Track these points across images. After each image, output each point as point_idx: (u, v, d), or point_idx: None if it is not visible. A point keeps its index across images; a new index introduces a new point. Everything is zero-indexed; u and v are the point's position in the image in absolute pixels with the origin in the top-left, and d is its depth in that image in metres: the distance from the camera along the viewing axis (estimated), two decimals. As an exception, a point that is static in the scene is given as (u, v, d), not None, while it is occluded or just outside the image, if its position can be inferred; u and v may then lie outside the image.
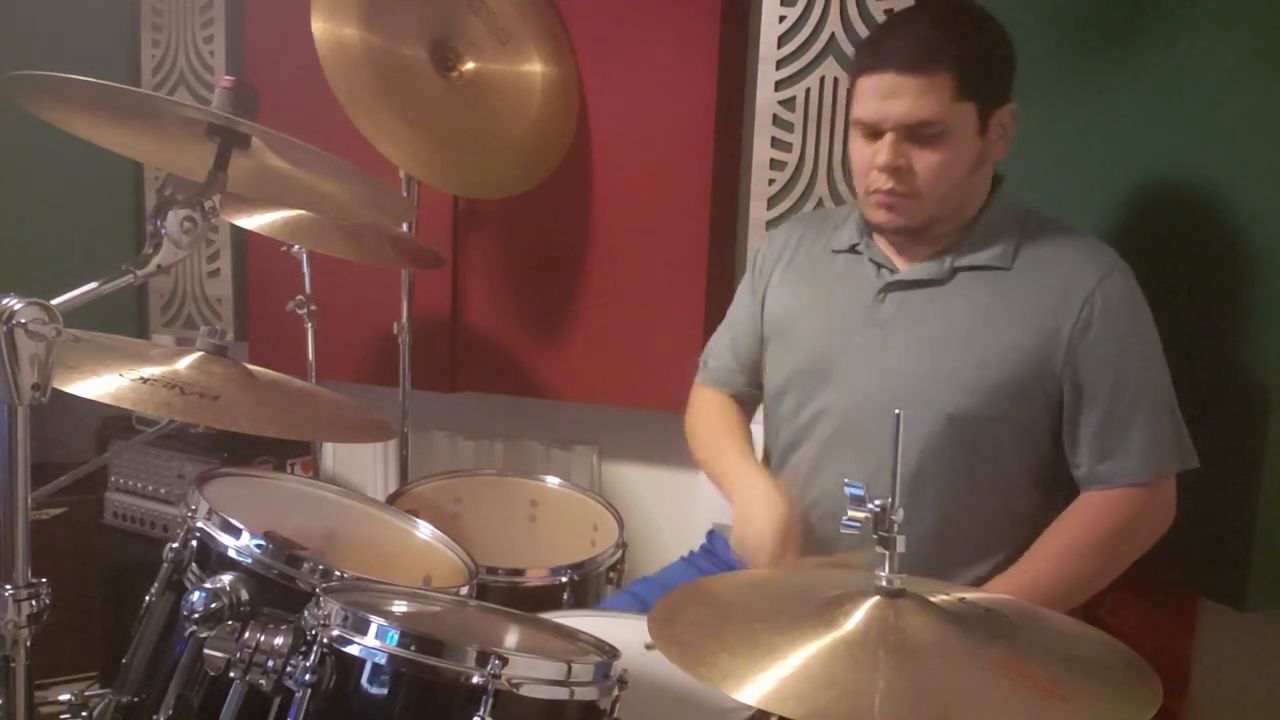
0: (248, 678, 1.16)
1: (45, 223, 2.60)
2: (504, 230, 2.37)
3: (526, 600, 1.71)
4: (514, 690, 1.10)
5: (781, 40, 2.04)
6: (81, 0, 2.56)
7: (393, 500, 1.87)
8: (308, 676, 1.12)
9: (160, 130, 1.37)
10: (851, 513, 1.03)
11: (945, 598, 1.08)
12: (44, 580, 1.07)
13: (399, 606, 1.29)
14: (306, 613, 1.18)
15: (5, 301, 1.00)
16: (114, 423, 2.60)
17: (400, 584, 1.39)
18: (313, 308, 2.21)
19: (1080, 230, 1.55)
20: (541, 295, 2.36)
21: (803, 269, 1.67)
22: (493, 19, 2.16)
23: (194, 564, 1.36)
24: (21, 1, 2.53)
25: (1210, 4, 1.62)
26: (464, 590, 1.48)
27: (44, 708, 1.26)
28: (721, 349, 1.79)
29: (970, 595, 1.14)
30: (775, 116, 2.07)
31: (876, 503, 1.02)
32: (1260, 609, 1.59)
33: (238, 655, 1.17)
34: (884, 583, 1.02)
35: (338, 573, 1.32)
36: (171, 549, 1.39)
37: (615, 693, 1.17)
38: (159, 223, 1.20)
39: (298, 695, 1.13)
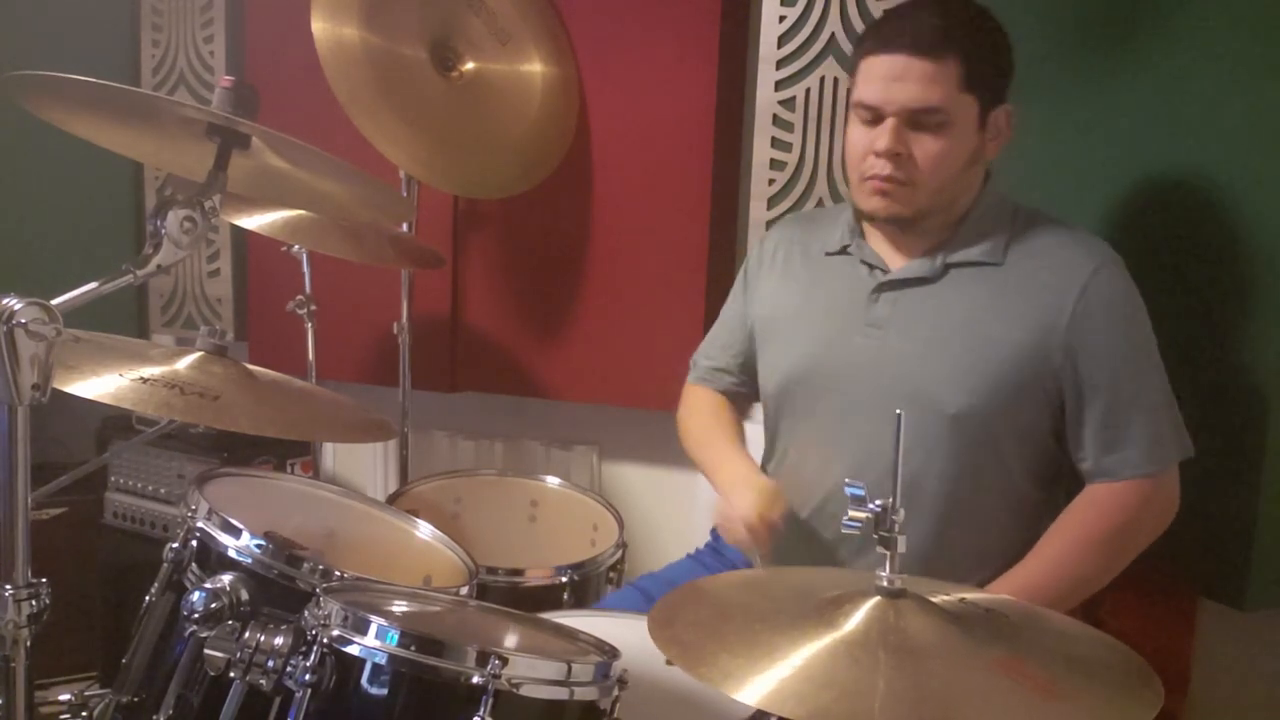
0: (248, 678, 1.17)
1: (45, 223, 2.60)
2: (504, 230, 2.37)
3: (526, 600, 1.71)
4: (514, 690, 1.10)
5: (781, 40, 2.04)
6: (81, 0, 2.55)
7: (393, 500, 1.87)
8: (308, 676, 1.12)
9: (160, 130, 1.37)
10: (852, 513, 1.03)
11: (945, 598, 1.08)
12: (44, 580, 1.07)
13: (399, 606, 1.29)
14: (306, 613, 1.18)
15: (5, 301, 1.00)
16: (114, 423, 2.60)
17: (400, 584, 1.39)
18: (313, 308, 2.21)
19: (1071, 224, 1.55)
20: (541, 295, 2.36)
21: (795, 271, 1.67)
22: (493, 19, 2.16)
23: (194, 564, 1.36)
24: (21, 1, 2.53)
25: (1210, 4, 1.62)
26: (464, 590, 1.48)
27: (44, 708, 1.26)
28: (713, 349, 1.80)
29: (970, 595, 1.14)
30: (775, 116, 2.07)
31: (877, 503, 1.02)
32: (1260, 609, 1.59)
33: (238, 655, 1.17)
34: (884, 583, 1.02)
35: (338, 573, 1.32)
36: (171, 549, 1.39)
37: (615, 693, 1.17)
38: (159, 223, 1.20)
39: (298, 695, 1.13)
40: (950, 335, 1.49)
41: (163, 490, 2.45)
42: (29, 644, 1.05)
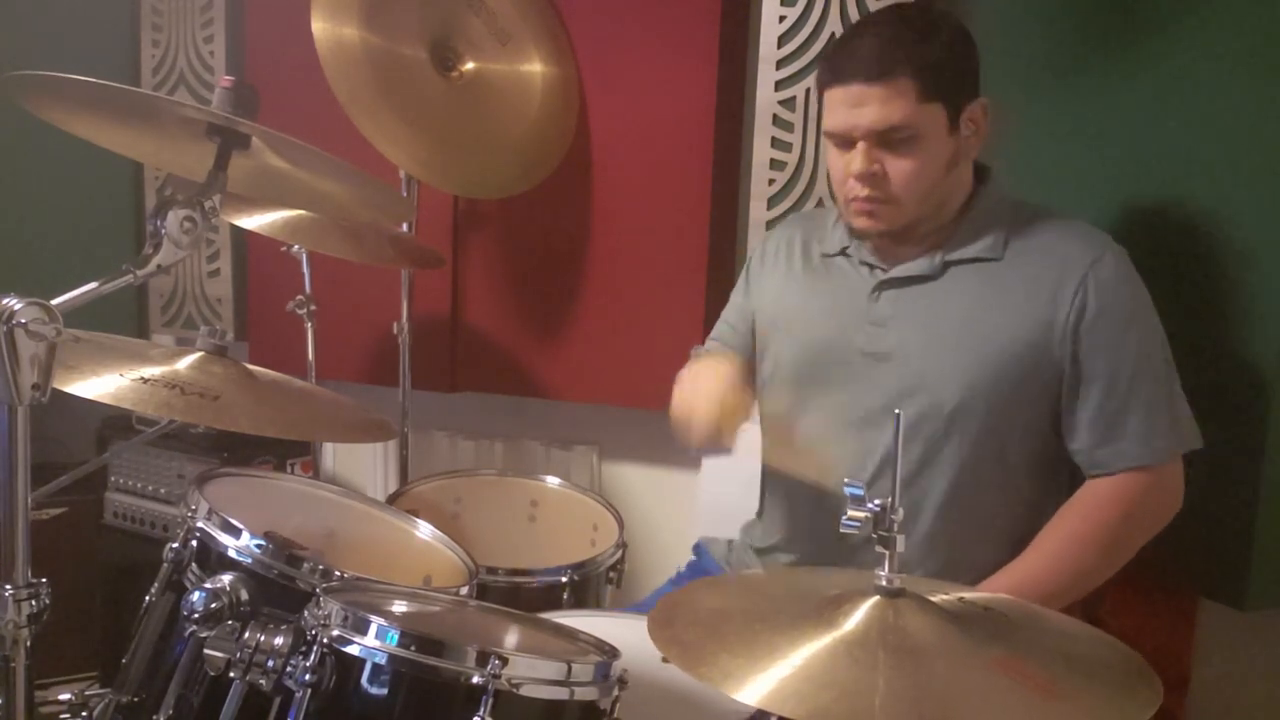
0: (248, 678, 1.17)
1: (45, 223, 2.60)
2: (504, 230, 2.37)
3: (526, 600, 1.71)
4: (514, 690, 1.10)
5: (781, 40, 2.04)
6: (81, 0, 2.56)
7: (393, 500, 1.87)
8: (308, 676, 1.12)
9: (160, 130, 1.37)
10: (851, 512, 1.03)
11: (945, 597, 1.08)
12: (44, 580, 1.07)
13: (399, 606, 1.29)
14: (306, 613, 1.18)
15: (5, 301, 1.00)
16: (114, 423, 2.60)
17: (400, 584, 1.39)
18: (313, 308, 2.22)
19: (1070, 217, 1.55)
20: (541, 295, 2.36)
21: (797, 270, 1.67)
22: (493, 19, 2.16)
23: (194, 564, 1.36)
24: (21, 1, 2.53)
25: (1210, 4, 1.62)
26: (464, 590, 1.48)
27: (44, 708, 1.26)
28: (714, 343, 1.81)
29: (969, 594, 1.14)
30: (775, 116, 2.07)
31: (876, 502, 1.02)
32: (1260, 609, 1.59)
33: (238, 655, 1.17)
34: (884, 582, 1.02)
35: (338, 573, 1.32)
36: (171, 549, 1.39)
37: (615, 693, 1.17)
38: (159, 223, 1.20)
39: (298, 695, 1.13)
40: (950, 331, 1.50)
41: (163, 490, 2.45)
42: (29, 644, 1.05)
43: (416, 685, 1.13)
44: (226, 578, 1.27)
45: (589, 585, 1.80)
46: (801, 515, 1.62)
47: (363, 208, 1.58)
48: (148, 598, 1.41)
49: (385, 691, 1.13)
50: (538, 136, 2.19)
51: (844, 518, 1.03)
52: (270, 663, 1.16)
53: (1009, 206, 1.55)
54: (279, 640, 1.16)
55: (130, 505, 2.49)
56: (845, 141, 1.48)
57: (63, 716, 1.39)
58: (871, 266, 1.57)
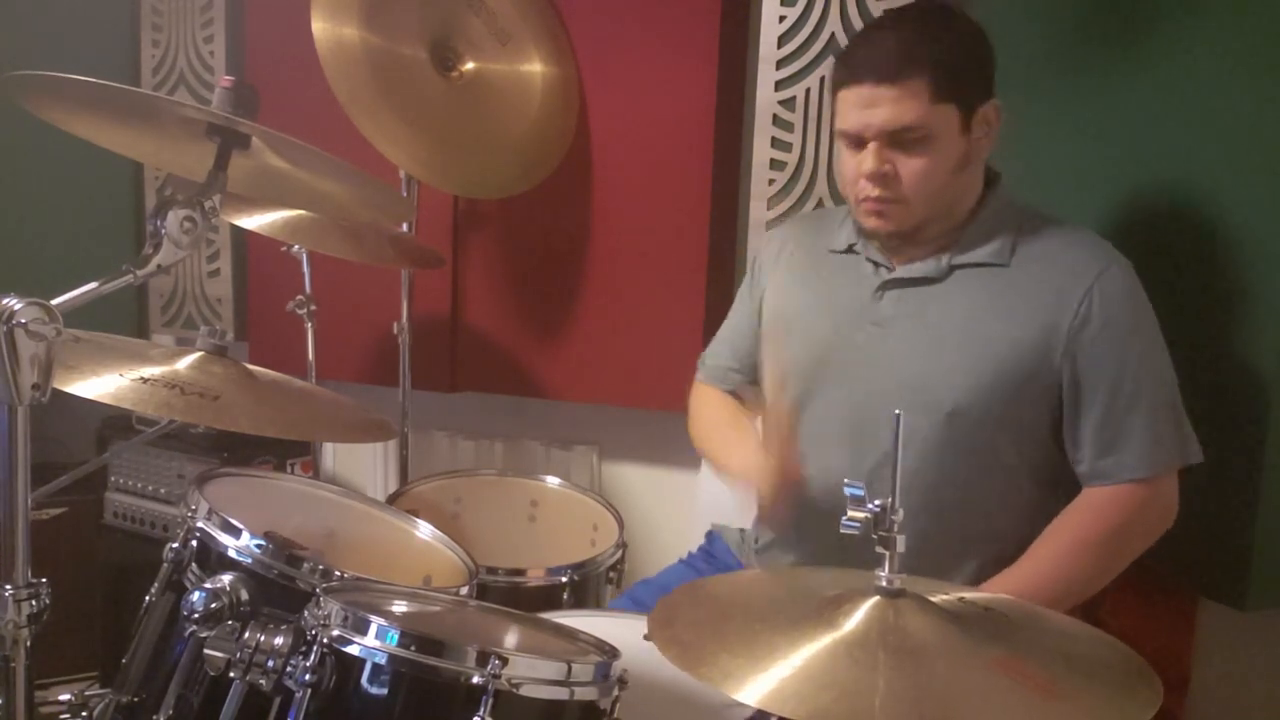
0: (248, 678, 1.17)
1: (45, 223, 2.60)
2: (504, 230, 2.37)
3: (526, 600, 1.71)
4: (514, 690, 1.10)
5: (781, 40, 2.04)
6: (81, 0, 2.55)
7: (393, 500, 1.87)
8: (308, 676, 1.12)
9: (160, 130, 1.37)
10: (851, 513, 1.03)
11: (945, 597, 1.08)
12: (44, 580, 1.07)
13: (399, 606, 1.29)
14: (306, 613, 1.18)
15: (5, 301, 1.00)
16: (114, 423, 2.60)
17: (400, 584, 1.39)
18: (313, 308, 2.22)
19: (1078, 226, 1.55)
20: (541, 295, 2.36)
21: (801, 269, 1.67)
22: (493, 19, 2.16)
23: (194, 564, 1.36)
24: (21, 1, 2.53)
25: (1210, 4, 1.62)
26: (464, 590, 1.48)
27: (44, 708, 1.26)
28: (721, 349, 1.81)
29: (970, 595, 1.14)
30: (775, 116, 2.07)
31: (876, 503, 1.02)
32: (1260, 609, 1.59)
33: (238, 655, 1.17)
34: (884, 583, 1.02)
35: (338, 573, 1.32)
36: (171, 549, 1.39)
37: (615, 693, 1.17)
38: (159, 223, 1.20)
39: (298, 695, 1.13)
40: (952, 334, 1.50)
41: (163, 490, 2.45)
42: (29, 644, 1.05)
43: (416, 685, 1.12)
44: (226, 578, 1.27)
45: (589, 585, 1.81)
46: (800, 514, 1.62)
47: (363, 208, 1.58)
48: (148, 598, 1.41)
49: (385, 691, 1.13)
50: (538, 136, 2.19)
51: (844, 518, 1.03)
52: (270, 663, 1.16)
53: (1017, 212, 1.54)
54: (279, 640, 1.16)
55: (130, 505, 2.49)
56: (857, 141, 1.48)
57: (63, 716, 1.39)
58: (877, 265, 1.57)
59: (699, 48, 2.15)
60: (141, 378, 1.34)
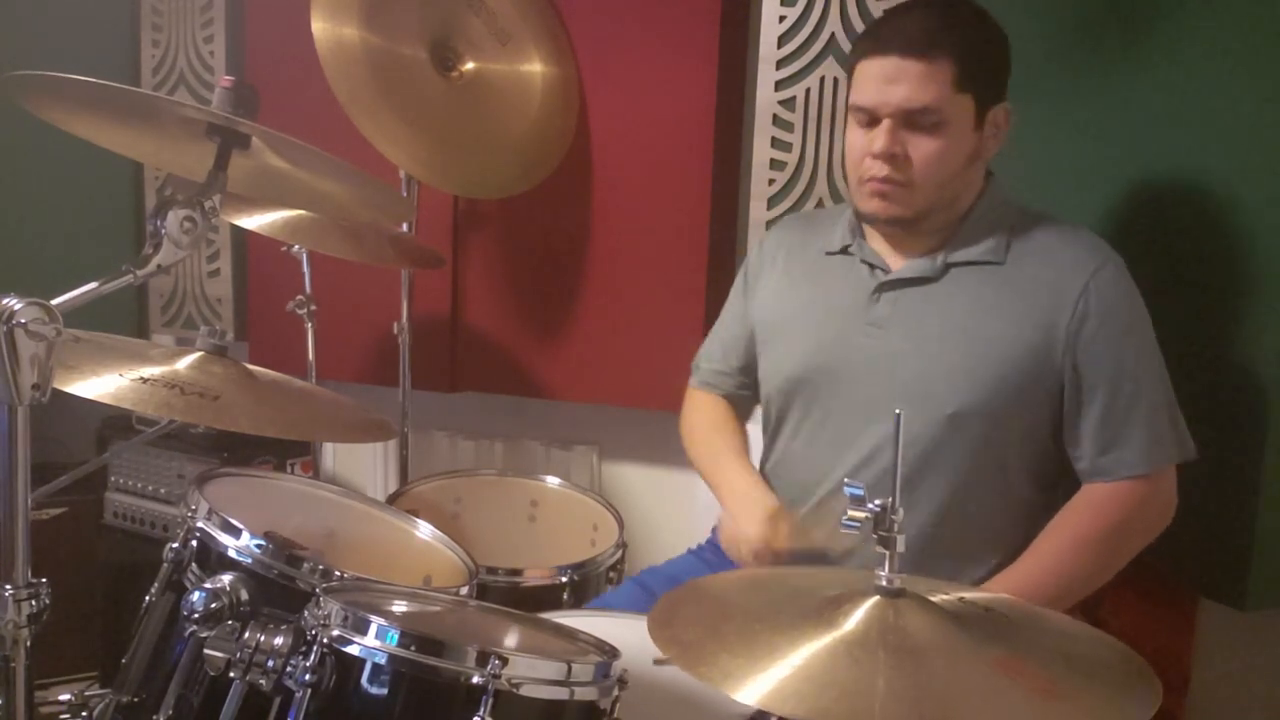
0: (248, 678, 1.16)
1: (45, 223, 2.60)
2: (504, 230, 2.37)
3: (526, 600, 1.71)
4: (514, 690, 1.10)
5: (781, 40, 2.04)
6: (81, 0, 2.55)
7: (393, 500, 1.87)
8: (308, 676, 1.12)
9: (160, 130, 1.37)
10: (852, 513, 1.03)
11: (945, 597, 1.08)
12: (44, 580, 1.07)
13: (399, 606, 1.29)
14: (306, 613, 1.18)
15: (5, 301, 1.00)
16: (114, 423, 2.60)
17: (400, 584, 1.39)
18: (313, 308, 2.21)
19: (1073, 223, 1.55)
20: (541, 295, 2.36)
21: (796, 272, 1.67)
22: (493, 19, 2.16)
23: (194, 564, 1.36)
24: (21, 1, 2.53)
25: (1210, 4, 1.62)
26: (464, 590, 1.48)
27: (44, 708, 1.26)
28: (713, 352, 1.81)
29: (970, 594, 1.14)
30: (775, 116, 2.07)
31: (877, 503, 1.02)
32: (1260, 609, 1.59)
33: (238, 655, 1.17)
34: (884, 582, 1.02)
35: (338, 573, 1.32)
36: (171, 549, 1.39)
37: (615, 693, 1.17)
38: (159, 223, 1.20)
39: (298, 695, 1.12)
40: (950, 334, 1.49)
41: (163, 490, 2.45)
42: (29, 644, 1.05)
43: (416, 685, 1.12)
44: (226, 578, 1.27)
45: (589, 585, 1.81)
46: (799, 512, 1.62)
47: (363, 208, 1.58)
48: (148, 598, 1.41)
49: (385, 691, 1.13)
50: (538, 136, 2.19)
51: (844, 518, 1.03)
52: (270, 663, 1.16)
53: (1012, 210, 1.55)
54: (279, 640, 1.16)
55: (130, 505, 2.49)
56: (871, 118, 1.47)
57: (63, 716, 1.39)
58: (872, 267, 1.57)
59: (699, 48, 2.15)
60: (141, 378, 1.34)
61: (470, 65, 2.14)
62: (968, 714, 0.92)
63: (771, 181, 2.08)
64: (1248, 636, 1.78)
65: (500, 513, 2.06)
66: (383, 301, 2.28)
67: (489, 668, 1.09)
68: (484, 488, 2.10)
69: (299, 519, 1.54)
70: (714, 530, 1.84)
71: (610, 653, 1.21)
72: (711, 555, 1.79)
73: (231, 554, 1.32)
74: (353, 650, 1.13)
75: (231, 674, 1.17)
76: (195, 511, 1.37)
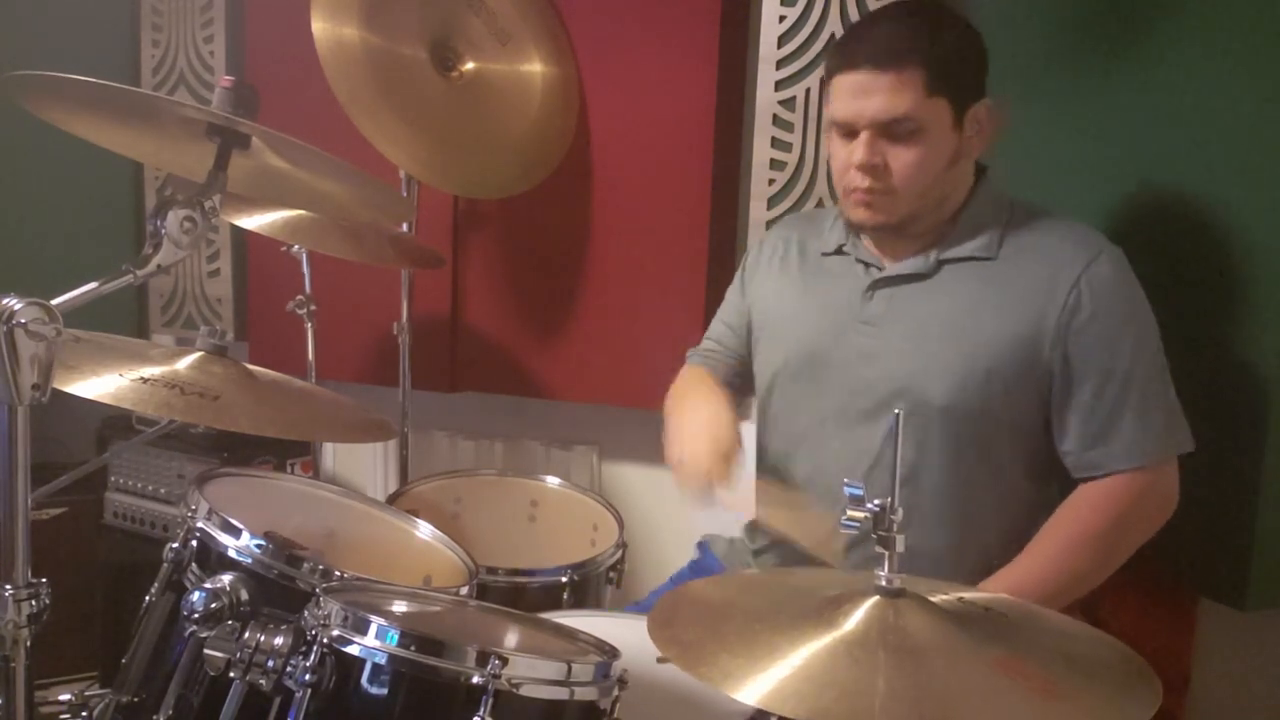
0: (248, 678, 1.16)
1: (45, 223, 2.60)
2: (504, 230, 2.37)
3: (526, 600, 1.71)
4: (514, 690, 1.10)
5: (781, 40, 2.04)
6: (81, 0, 2.55)
7: (393, 500, 1.87)
8: (308, 676, 1.12)
9: (160, 130, 1.37)
10: (850, 512, 1.03)
11: (944, 597, 1.08)
12: (44, 580, 1.07)
13: (399, 606, 1.29)
14: (306, 613, 1.18)
15: (5, 301, 1.00)
16: (114, 423, 2.60)
17: (400, 584, 1.39)
18: (313, 308, 2.21)
19: (1067, 217, 1.55)
20: (541, 295, 2.36)
21: (792, 271, 1.68)
22: (493, 19, 2.16)
23: (194, 564, 1.36)
24: (21, 1, 2.53)
25: (1209, 5, 1.62)
26: (464, 590, 1.48)
27: (44, 708, 1.26)
28: (710, 343, 1.82)
29: (969, 594, 1.14)
30: (775, 116, 2.07)
31: (875, 502, 1.02)
32: (1260, 609, 1.59)
33: (238, 655, 1.17)
34: (884, 582, 1.02)
35: (338, 573, 1.32)
36: (171, 549, 1.39)
37: (615, 693, 1.17)
38: (159, 223, 1.20)
39: (298, 695, 1.13)
40: (942, 330, 1.50)
41: (163, 490, 2.45)
42: (29, 644, 1.05)
43: (416, 685, 1.12)
44: (226, 578, 1.27)
45: (589, 585, 1.80)
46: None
47: (363, 208, 1.58)
48: (148, 598, 1.41)
49: (385, 691, 1.13)
50: (538, 136, 2.19)
51: (843, 518, 1.03)
52: (270, 663, 1.16)
53: (1005, 205, 1.55)
54: (279, 640, 1.16)
55: (130, 505, 2.49)
56: (849, 131, 1.48)
57: (63, 716, 1.39)
58: (867, 265, 1.58)
59: (699, 48, 2.15)
60: (141, 378, 1.34)
61: (470, 65, 2.14)
62: (968, 714, 0.92)
63: (771, 181, 2.08)
64: (1248, 636, 1.78)
65: (500, 513, 2.06)
66: (383, 301, 2.28)
67: (489, 668, 1.09)
68: (484, 488, 2.10)
69: (299, 519, 1.54)
70: (698, 547, 1.84)
71: (610, 653, 1.21)
72: (692, 577, 1.78)
73: (231, 554, 1.32)
74: (353, 650, 1.13)
75: (231, 674, 1.17)
76: (195, 511, 1.37)
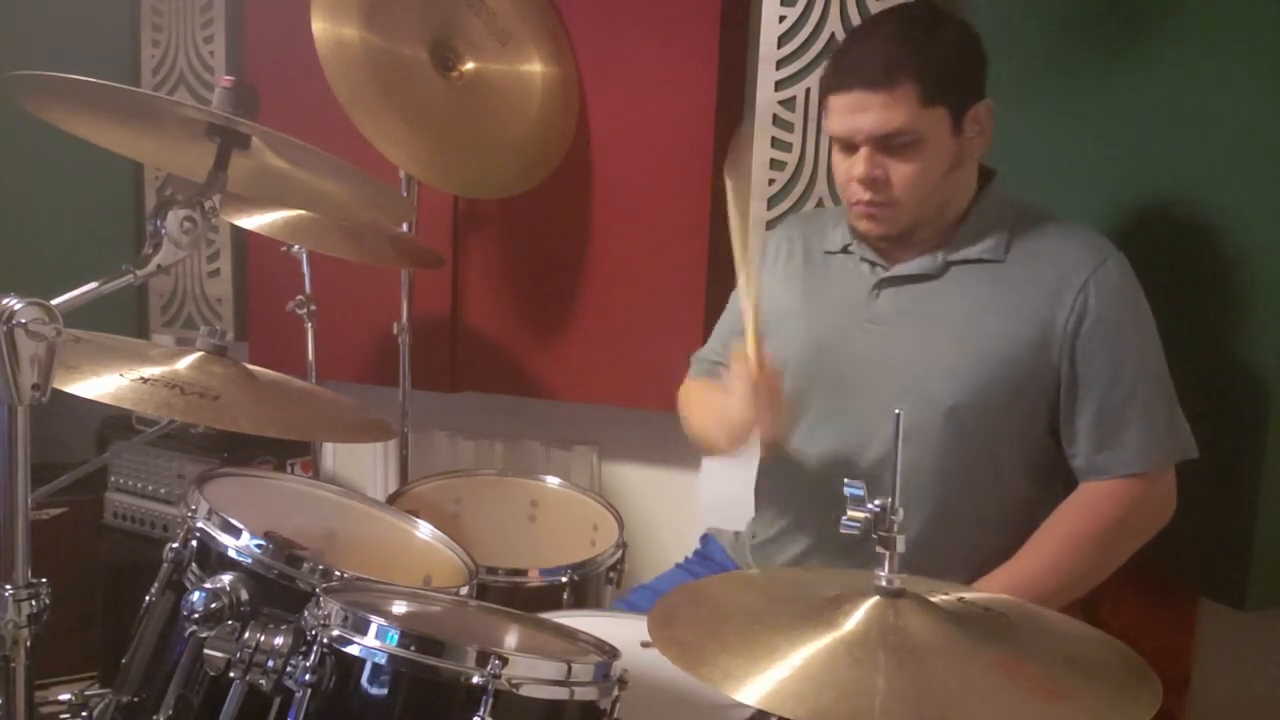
0: (248, 678, 1.16)
1: (45, 223, 2.60)
2: (504, 230, 2.37)
3: (526, 600, 1.71)
4: (514, 690, 1.10)
5: (781, 40, 2.04)
6: (81, 0, 2.55)
7: (393, 500, 1.87)
8: (308, 676, 1.12)
9: (160, 130, 1.37)
10: (851, 512, 1.03)
11: (945, 597, 1.08)
12: (44, 580, 1.07)
13: (399, 606, 1.29)
14: (306, 613, 1.18)
15: (5, 301, 1.00)
16: (114, 423, 2.60)
17: (400, 584, 1.39)
18: (313, 308, 2.22)
19: (1073, 221, 1.55)
20: (541, 295, 2.36)
21: (797, 270, 1.68)
22: (493, 19, 2.16)
23: (194, 564, 1.36)
24: (21, 1, 2.53)
25: (1209, 5, 1.62)
26: (464, 590, 1.48)
27: (44, 708, 1.26)
28: (716, 346, 1.81)
29: (969, 594, 1.14)
30: (775, 116, 2.06)
31: (876, 502, 1.02)
32: (1260, 609, 1.59)
33: (238, 655, 1.17)
34: (884, 582, 1.02)
35: (338, 573, 1.32)
36: (171, 549, 1.39)
37: (615, 693, 1.17)
38: (159, 223, 1.20)
39: (298, 695, 1.13)
40: (948, 330, 1.50)
41: (163, 490, 2.45)
42: (29, 644, 1.05)
43: (416, 685, 1.12)
44: (226, 578, 1.27)
45: (589, 585, 1.80)
46: (798, 509, 1.62)
47: (363, 208, 1.58)
48: (148, 598, 1.41)
49: (385, 691, 1.13)
50: (538, 136, 2.19)
51: (844, 518, 1.03)
52: (270, 663, 1.16)
53: (1013, 209, 1.55)
54: (279, 640, 1.16)
55: (130, 505, 2.49)
56: (848, 145, 1.49)
57: (63, 716, 1.39)
58: (872, 264, 1.58)
59: (699, 48, 2.15)
60: (141, 378, 1.34)
61: (470, 65, 2.14)
62: (968, 714, 0.92)
63: (771, 181, 2.08)
64: (1248, 636, 1.78)
65: (500, 513, 2.06)
66: (383, 301, 2.28)
67: (489, 668, 1.09)
68: (484, 488, 2.10)
69: (299, 519, 1.54)
70: (702, 539, 1.84)
71: (610, 653, 1.21)
72: (699, 567, 1.79)
73: (231, 554, 1.32)
74: (353, 650, 1.13)
75: (231, 674, 1.17)
76: (195, 511, 1.37)
